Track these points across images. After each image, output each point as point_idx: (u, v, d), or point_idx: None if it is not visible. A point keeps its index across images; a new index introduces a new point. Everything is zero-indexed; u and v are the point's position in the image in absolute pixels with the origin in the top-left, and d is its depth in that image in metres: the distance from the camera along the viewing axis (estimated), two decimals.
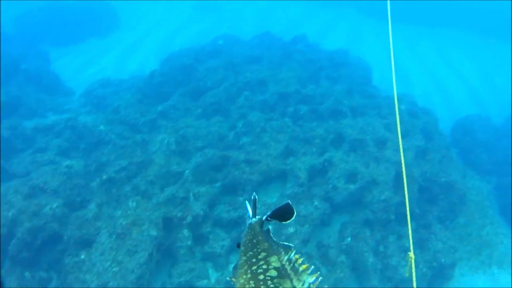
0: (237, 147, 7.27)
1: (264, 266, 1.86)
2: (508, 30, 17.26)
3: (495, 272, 7.24)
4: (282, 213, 2.19)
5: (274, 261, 1.90)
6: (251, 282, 1.79)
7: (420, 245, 6.43)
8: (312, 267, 1.82)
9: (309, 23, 15.68)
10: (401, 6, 16.38)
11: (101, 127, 7.86)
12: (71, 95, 10.38)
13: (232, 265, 2.05)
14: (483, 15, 17.65)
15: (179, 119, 7.96)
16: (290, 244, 2.01)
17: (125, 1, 16.94)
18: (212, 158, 6.67)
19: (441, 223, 7.00)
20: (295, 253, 1.91)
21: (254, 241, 2.07)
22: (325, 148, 6.81)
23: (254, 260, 1.93)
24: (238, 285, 1.83)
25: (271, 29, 12.59)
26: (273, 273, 1.82)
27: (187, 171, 6.45)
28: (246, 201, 2.44)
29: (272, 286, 1.73)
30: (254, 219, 2.26)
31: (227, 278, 1.98)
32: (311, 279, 1.77)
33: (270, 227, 2.19)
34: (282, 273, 1.82)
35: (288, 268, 1.86)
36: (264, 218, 2.21)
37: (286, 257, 1.92)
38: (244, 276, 1.84)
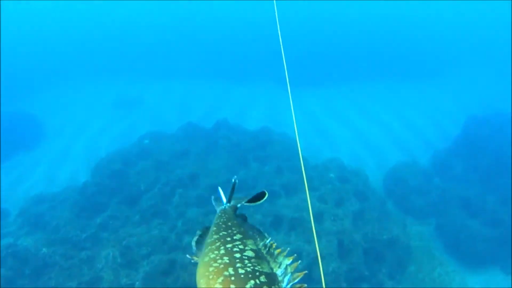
0: (181, 248, 7.34)
1: (241, 246, 1.85)
2: (413, 71, 19.20)
3: None
4: (256, 198, 2.32)
5: (250, 243, 1.91)
6: (225, 258, 1.76)
7: None
8: (288, 248, 1.85)
9: (229, 104, 16.42)
10: (307, 70, 17.83)
11: (44, 249, 7.69)
12: (7, 217, 10.10)
13: (193, 241, 2.03)
14: (387, 63, 19.55)
15: (119, 229, 7.96)
16: (264, 232, 2.08)
17: (46, 108, 17.06)
18: (159, 264, 6.72)
19: (392, 279, 7.34)
20: (270, 240, 1.96)
21: (229, 223, 2.11)
22: (266, 232, 7.06)
23: (228, 239, 1.92)
24: (206, 259, 1.80)
25: (193, 117, 13.11)
26: (250, 253, 1.81)
27: (137, 283, 6.46)
28: (219, 187, 2.55)
29: (249, 265, 1.71)
30: (227, 204, 2.35)
31: (187, 256, 1.98)
32: (288, 260, 1.78)
33: (246, 215, 2.26)
34: (258, 255, 1.82)
35: (264, 252, 1.88)
36: (239, 205, 2.32)
37: (261, 243, 1.95)
38: (216, 252, 1.81)
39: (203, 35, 24.13)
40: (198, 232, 2.12)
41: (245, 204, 2.32)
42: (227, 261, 1.72)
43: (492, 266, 8.59)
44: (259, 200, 2.32)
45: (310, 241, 6.74)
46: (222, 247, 1.83)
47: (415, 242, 8.74)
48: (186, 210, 8.08)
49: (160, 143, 11.16)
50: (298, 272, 1.71)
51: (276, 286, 1.63)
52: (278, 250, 1.85)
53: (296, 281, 1.67)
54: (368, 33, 23.05)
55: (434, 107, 16.00)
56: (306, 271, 1.72)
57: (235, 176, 2.38)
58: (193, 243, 2.03)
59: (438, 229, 9.41)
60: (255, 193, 2.35)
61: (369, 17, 26.48)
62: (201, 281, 1.70)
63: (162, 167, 9.60)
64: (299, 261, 1.75)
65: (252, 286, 1.58)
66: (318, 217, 7.19)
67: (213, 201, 2.49)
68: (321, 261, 6.70)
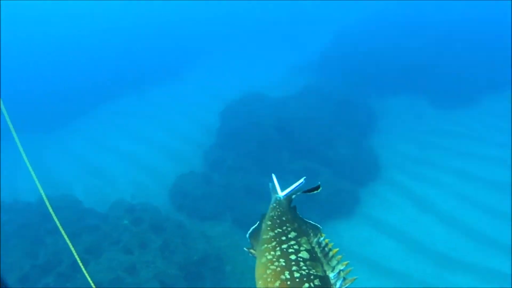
0: None
1: (296, 247, 1.96)
2: (155, 74, 20.39)
3: None
4: (312, 190, 2.38)
5: (304, 242, 2.01)
6: (281, 260, 1.88)
7: None
8: (343, 255, 1.93)
9: None
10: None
11: None
12: None
13: (248, 234, 2.19)
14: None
15: None
16: (318, 225, 2.14)
17: None
18: None
19: None
20: (325, 237, 2.04)
21: (284, 218, 2.20)
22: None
23: (284, 238, 2.03)
24: (263, 260, 1.93)
25: None
26: (305, 255, 1.92)
27: None
28: (273, 175, 2.64)
29: (304, 267, 1.83)
30: (282, 195, 2.44)
31: (244, 249, 2.15)
32: (342, 266, 1.87)
33: (296, 205, 2.36)
34: (313, 256, 1.93)
35: (318, 251, 1.97)
36: (293, 196, 2.42)
37: (315, 239, 2.04)
38: (273, 253, 1.93)
39: None
40: (255, 226, 2.27)
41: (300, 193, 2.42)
42: (283, 263, 1.86)
43: None
44: (315, 191, 2.40)
45: None
46: (278, 248, 1.96)
47: (221, 243, 9.98)
48: None
49: None
50: (350, 278, 1.84)
51: None
52: (334, 251, 1.96)
53: (347, 285, 1.82)
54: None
55: (190, 104, 17.62)
56: (357, 277, 1.85)
57: (304, 177, 2.47)
58: (248, 236, 2.20)
59: (234, 222, 10.87)
60: (308, 186, 2.43)
61: None
62: (259, 282, 1.87)
63: None
64: (352, 268, 1.87)
65: None
66: (132, 270, 7.64)
67: (270, 188, 2.58)
68: None
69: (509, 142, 13.34)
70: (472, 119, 15.05)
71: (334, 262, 1.89)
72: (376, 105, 15.65)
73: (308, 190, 2.38)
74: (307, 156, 12.25)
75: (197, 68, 22.01)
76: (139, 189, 12.54)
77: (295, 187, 2.45)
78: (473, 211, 10.96)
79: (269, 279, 1.81)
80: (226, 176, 12.03)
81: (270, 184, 2.62)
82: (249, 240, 2.19)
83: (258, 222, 2.28)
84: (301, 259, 1.87)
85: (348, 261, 1.86)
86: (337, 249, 1.93)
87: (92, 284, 2.39)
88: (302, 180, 2.45)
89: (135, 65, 20.81)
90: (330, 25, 24.54)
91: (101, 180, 13.29)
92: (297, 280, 1.77)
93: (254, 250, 2.12)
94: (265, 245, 2.01)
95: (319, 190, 2.36)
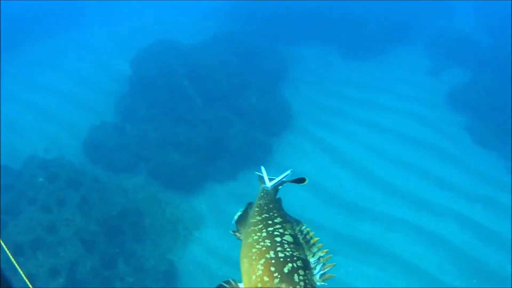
0: None
1: (281, 230, 2.12)
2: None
3: None
4: (298, 181, 2.59)
5: (289, 227, 2.18)
6: (267, 241, 2.04)
7: None
8: (323, 243, 2.08)
9: None
10: None
11: None
12: None
13: (234, 219, 2.35)
14: None
15: None
16: (299, 220, 2.30)
17: None
18: None
19: (138, 241, 8.89)
20: (306, 227, 2.20)
21: (271, 206, 2.39)
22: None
23: (270, 222, 2.20)
24: (250, 240, 2.09)
25: None
26: (289, 238, 2.08)
27: None
28: (262, 167, 2.77)
29: (288, 249, 1.98)
30: (269, 186, 2.60)
31: (230, 232, 2.32)
32: (322, 253, 2.03)
33: (280, 197, 2.54)
34: (296, 241, 2.09)
35: (301, 238, 2.14)
36: (280, 187, 2.59)
37: (298, 228, 2.21)
38: (259, 234, 2.10)
39: None
40: (241, 209, 2.44)
41: (285, 182, 2.59)
42: (269, 244, 2.01)
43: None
44: (301, 182, 2.60)
45: None
46: (264, 230, 2.12)
47: (138, 195, 10.33)
48: None
49: None
50: (328, 263, 1.99)
51: (309, 271, 1.93)
52: (315, 239, 2.12)
53: (326, 270, 1.96)
54: None
55: (99, 53, 17.09)
56: (335, 263, 1.99)
57: (291, 169, 2.62)
58: (235, 218, 2.37)
59: (150, 173, 11.20)
60: (294, 177, 2.63)
61: None
62: (244, 260, 2.01)
63: None
64: (331, 255, 2.00)
65: (290, 269, 1.86)
66: (52, 229, 7.81)
67: (257, 179, 2.72)
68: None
69: (415, 94, 14.63)
70: (380, 70, 16.02)
71: (315, 249, 2.05)
72: (287, 53, 16.13)
73: (294, 180, 2.62)
74: (219, 105, 12.59)
75: (103, 14, 21.04)
76: (52, 143, 12.29)
77: (282, 178, 2.63)
78: (380, 162, 11.89)
79: (254, 257, 1.95)
80: (139, 126, 12.13)
81: (257, 174, 2.74)
82: (235, 225, 2.32)
83: (243, 209, 2.44)
84: (285, 242, 2.03)
85: (327, 249, 2.03)
86: (318, 238, 2.10)
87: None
88: (288, 172, 2.63)
89: (35, 13, 19.40)
90: None
91: (12, 134, 12.76)
92: (281, 259, 1.91)
93: (240, 233, 2.28)
94: (252, 228, 2.18)
95: (305, 182, 2.57)
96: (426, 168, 11.75)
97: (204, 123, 11.88)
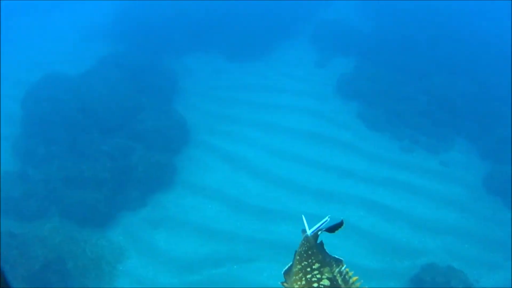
0: None
1: (318, 276, 2.28)
2: None
3: None
4: (333, 227, 2.70)
5: (327, 271, 2.33)
6: None
7: None
8: (362, 281, 2.24)
9: None
10: None
11: None
12: None
13: (283, 271, 2.53)
14: None
15: None
16: (340, 258, 2.46)
17: None
18: None
19: None
20: (346, 267, 2.35)
21: (309, 252, 2.54)
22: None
23: (308, 269, 2.37)
24: None
25: None
26: (326, 282, 2.23)
27: None
28: (303, 215, 2.96)
29: None
30: (310, 233, 2.74)
31: (279, 283, 2.46)
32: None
33: (322, 240, 2.68)
34: (334, 283, 2.23)
35: (339, 279, 2.27)
36: (319, 233, 2.71)
37: (337, 269, 2.35)
38: (299, 283, 2.27)
39: None
40: (289, 263, 2.60)
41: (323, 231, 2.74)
42: None
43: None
44: (337, 228, 2.71)
45: None
46: (303, 278, 2.31)
47: (55, 240, 10.69)
48: None
49: None
50: None
51: None
52: (354, 278, 2.26)
53: None
54: None
55: None
56: None
57: (329, 215, 2.75)
58: (283, 272, 2.53)
59: (62, 215, 11.67)
60: (332, 223, 2.73)
61: None
62: None
63: None
64: None
65: None
66: None
67: (301, 232, 2.85)
68: None
69: (306, 88, 16.00)
70: (269, 69, 17.39)
71: (353, 286, 2.21)
72: (174, 67, 17.12)
73: (332, 227, 2.71)
74: (117, 134, 13.44)
75: None
76: None
77: (321, 224, 2.74)
78: (281, 162, 12.96)
79: None
80: (41, 169, 12.60)
81: (301, 229, 2.86)
82: (283, 276, 2.49)
83: (292, 261, 2.58)
84: (322, 286, 2.19)
85: (361, 281, 2.21)
86: (357, 277, 2.25)
87: None
88: (327, 218, 2.73)
89: None
90: None
91: None
92: None
93: (287, 283, 2.43)
94: (294, 277, 2.36)
95: (342, 226, 2.68)
96: (325, 160, 12.99)
97: (105, 154, 12.72)
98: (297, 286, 2.27)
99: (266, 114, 14.87)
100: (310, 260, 2.46)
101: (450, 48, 17.60)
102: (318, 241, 2.68)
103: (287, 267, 2.56)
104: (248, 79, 16.90)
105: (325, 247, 2.59)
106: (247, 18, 19.16)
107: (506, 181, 12.47)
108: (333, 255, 2.54)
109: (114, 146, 12.99)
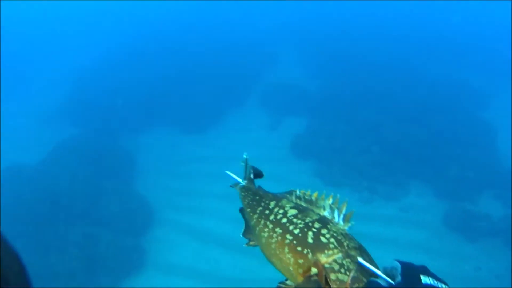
0: None
1: (281, 211, 2.17)
2: None
3: None
4: (257, 171, 2.65)
5: (286, 203, 2.22)
6: (277, 229, 2.09)
7: None
8: (324, 191, 2.17)
9: None
10: None
11: None
12: None
13: (240, 234, 2.42)
14: None
15: None
16: (291, 189, 2.35)
17: None
18: None
19: None
20: (300, 190, 2.27)
21: (257, 197, 2.43)
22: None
23: (267, 212, 2.24)
24: (263, 240, 2.15)
25: None
26: (293, 211, 2.13)
27: None
28: (227, 171, 2.88)
29: (299, 222, 2.04)
30: (244, 181, 2.67)
31: (244, 246, 2.40)
32: (329, 201, 2.11)
33: (260, 185, 2.60)
34: (300, 208, 2.14)
35: (303, 203, 2.19)
36: (251, 176, 2.63)
37: (293, 196, 2.27)
38: (267, 229, 2.15)
39: None
40: (243, 223, 2.48)
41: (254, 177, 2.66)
42: (280, 230, 2.06)
43: None
44: (260, 174, 2.68)
45: None
46: (268, 222, 2.17)
47: None
48: None
49: None
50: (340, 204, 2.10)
51: (330, 224, 2.01)
52: (315, 194, 2.18)
53: (344, 211, 2.07)
54: None
55: None
56: (347, 199, 2.08)
57: (246, 153, 2.66)
58: (242, 235, 2.44)
59: None
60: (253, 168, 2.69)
61: None
62: (272, 261, 2.12)
63: None
64: (338, 195, 2.09)
65: (313, 237, 1.95)
66: None
67: (233, 187, 2.83)
68: None
69: (260, 153, 16.50)
70: (222, 138, 18.23)
71: (321, 203, 2.12)
72: (131, 145, 17.97)
73: (256, 170, 2.69)
74: (82, 222, 13.95)
75: None
76: None
77: (246, 167, 2.70)
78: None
79: (278, 252, 2.03)
80: None
81: (230, 185, 2.89)
82: (244, 238, 2.42)
83: (243, 220, 2.49)
84: (292, 217, 2.08)
85: (332, 193, 2.13)
86: (317, 191, 2.18)
87: None
88: (245, 156, 2.68)
89: None
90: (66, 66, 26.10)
91: None
92: (300, 235, 1.98)
93: (252, 241, 2.36)
94: (257, 228, 2.24)
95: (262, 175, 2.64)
96: None
97: (73, 244, 13.26)
98: (266, 234, 2.17)
99: (224, 184, 15.61)
100: (263, 204, 2.35)
101: (398, 97, 19.14)
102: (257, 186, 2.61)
103: (242, 229, 2.48)
104: (204, 151, 17.62)
105: None
106: (196, 89, 20.35)
107: (464, 217, 13.79)
108: (279, 192, 2.45)
109: (81, 235, 13.51)
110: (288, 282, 2.01)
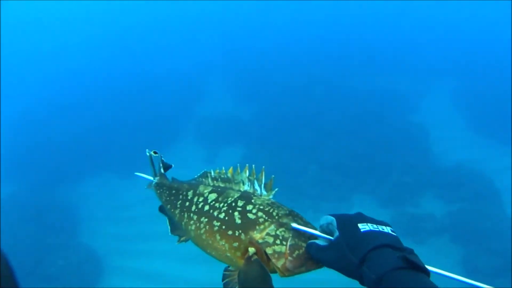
0: None
1: (201, 199, 2.15)
2: None
3: None
4: (165, 163, 2.63)
5: (203, 189, 2.21)
6: (202, 218, 2.07)
7: None
8: (238, 164, 2.14)
9: None
10: None
11: None
12: None
13: (169, 232, 2.37)
14: None
15: None
16: (202, 172, 2.36)
17: None
18: None
19: None
20: (214, 170, 2.25)
21: (173, 191, 2.38)
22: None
23: (187, 203, 2.21)
24: (192, 233, 2.11)
25: None
26: (213, 196, 2.12)
27: None
28: (136, 173, 2.83)
29: (222, 205, 2.03)
30: (156, 178, 2.62)
31: (176, 243, 2.30)
32: (245, 174, 2.10)
33: (173, 176, 2.58)
34: (219, 191, 2.13)
35: (220, 184, 2.20)
36: (162, 170, 2.60)
37: (209, 180, 2.26)
38: (192, 221, 2.12)
39: None
40: (167, 223, 2.41)
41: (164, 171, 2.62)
42: (206, 219, 2.04)
43: None
44: (169, 166, 2.65)
45: None
46: (191, 214, 2.14)
47: None
48: None
49: None
50: (258, 174, 2.07)
51: (254, 198, 1.98)
52: (230, 171, 2.17)
53: (263, 180, 2.05)
54: None
55: None
56: (263, 166, 2.05)
57: (147, 150, 2.57)
58: (171, 233, 2.36)
59: None
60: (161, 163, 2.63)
61: None
62: (208, 251, 2.04)
63: None
64: (254, 165, 2.07)
65: (240, 217, 1.91)
66: None
67: (149, 187, 2.72)
68: None
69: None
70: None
71: (238, 178, 2.12)
72: (69, 197, 18.01)
73: (164, 163, 2.63)
74: (31, 280, 13.79)
75: None
76: None
77: (153, 163, 2.65)
78: (199, 267, 13.53)
79: (210, 241, 1.99)
80: None
81: (145, 186, 2.79)
82: (174, 235, 2.33)
83: (166, 218, 2.43)
84: (213, 202, 2.07)
85: (247, 164, 2.10)
86: (231, 167, 2.17)
87: None
88: (148, 154, 2.59)
89: None
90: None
91: None
92: (226, 218, 1.96)
93: (182, 236, 2.27)
94: (182, 223, 2.19)
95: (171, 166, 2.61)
96: None
97: None
98: (193, 226, 2.12)
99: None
100: (181, 196, 2.31)
101: (330, 114, 19.97)
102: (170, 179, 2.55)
103: (169, 227, 2.41)
104: (144, 192, 16.51)
105: None
106: (127, 132, 20.75)
107: (409, 221, 14.58)
108: (192, 179, 2.43)
109: None
110: (230, 268, 1.96)
